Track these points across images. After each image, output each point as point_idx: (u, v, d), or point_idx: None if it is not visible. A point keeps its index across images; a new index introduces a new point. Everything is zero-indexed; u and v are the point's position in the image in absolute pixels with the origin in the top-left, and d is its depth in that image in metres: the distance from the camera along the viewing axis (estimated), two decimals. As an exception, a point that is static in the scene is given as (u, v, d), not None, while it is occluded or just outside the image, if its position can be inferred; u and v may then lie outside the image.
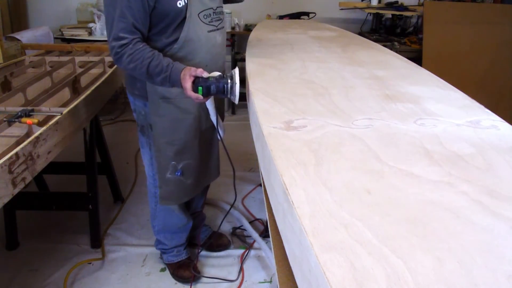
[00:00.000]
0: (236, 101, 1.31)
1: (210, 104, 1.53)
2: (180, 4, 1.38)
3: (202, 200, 2.07)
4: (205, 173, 1.77)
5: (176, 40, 1.43)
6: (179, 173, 1.60)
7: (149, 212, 1.91)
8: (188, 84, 1.32)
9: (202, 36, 1.46)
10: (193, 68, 1.34)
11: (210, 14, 1.47)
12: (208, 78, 1.33)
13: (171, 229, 1.85)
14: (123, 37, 1.33)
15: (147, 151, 1.68)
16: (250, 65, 1.59)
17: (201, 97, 1.33)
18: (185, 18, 1.40)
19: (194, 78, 1.33)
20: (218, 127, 1.63)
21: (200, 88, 1.31)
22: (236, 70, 1.31)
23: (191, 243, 2.06)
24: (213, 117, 1.58)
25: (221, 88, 1.31)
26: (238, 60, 3.94)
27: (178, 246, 1.92)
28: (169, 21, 1.40)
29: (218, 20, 1.51)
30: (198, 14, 1.42)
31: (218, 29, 1.53)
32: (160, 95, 1.51)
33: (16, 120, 1.47)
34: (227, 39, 2.25)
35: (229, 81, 1.30)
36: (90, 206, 2.06)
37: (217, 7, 1.50)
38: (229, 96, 1.31)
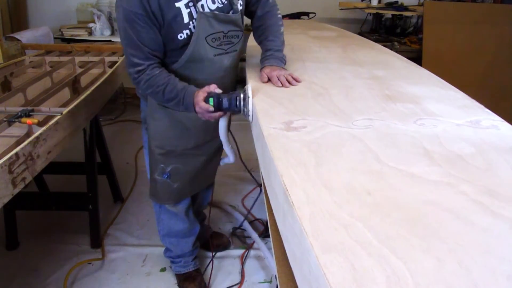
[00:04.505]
0: (250, 117, 1.24)
1: (223, 127, 1.43)
2: (181, 36, 1.34)
3: (207, 201, 2.05)
4: (198, 180, 1.73)
5: (178, 60, 1.41)
6: (166, 176, 1.59)
7: (152, 214, 1.89)
8: (200, 97, 1.29)
9: (206, 59, 1.41)
10: (207, 86, 1.32)
11: (219, 37, 1.41)
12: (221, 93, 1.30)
13: (177, 233, 1.82)
14: (138, 63, 1.32)
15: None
16: (250, 65, 1.59)
17: (212, 108, 1.28)
18: (188, 43, 1.36)
19: (207, 93, 1.29)
20: (229, 152, 1.56)
21: (211, 98, 1.27)
22: (249, 86, 1.26)
23: (204, 246, 2.07)
24: (222, 137, 1.46)
25: (233, 100, 1.26)
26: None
27: (185, 256, 1.89)
28: (170, 48, 1.38)
29: (229, 44, 1.45)
30: (205, 37, 1.37)
31: (227, 53, 1.46)
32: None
33: (16, 120, 1.47)
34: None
35: (241, 94, 1.25)
36: (90, 206, 2.06)
37: (228, 31, 1.43)
38: (242, 109, 1.25)
